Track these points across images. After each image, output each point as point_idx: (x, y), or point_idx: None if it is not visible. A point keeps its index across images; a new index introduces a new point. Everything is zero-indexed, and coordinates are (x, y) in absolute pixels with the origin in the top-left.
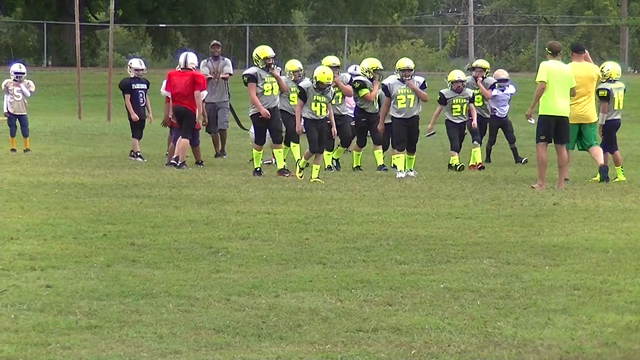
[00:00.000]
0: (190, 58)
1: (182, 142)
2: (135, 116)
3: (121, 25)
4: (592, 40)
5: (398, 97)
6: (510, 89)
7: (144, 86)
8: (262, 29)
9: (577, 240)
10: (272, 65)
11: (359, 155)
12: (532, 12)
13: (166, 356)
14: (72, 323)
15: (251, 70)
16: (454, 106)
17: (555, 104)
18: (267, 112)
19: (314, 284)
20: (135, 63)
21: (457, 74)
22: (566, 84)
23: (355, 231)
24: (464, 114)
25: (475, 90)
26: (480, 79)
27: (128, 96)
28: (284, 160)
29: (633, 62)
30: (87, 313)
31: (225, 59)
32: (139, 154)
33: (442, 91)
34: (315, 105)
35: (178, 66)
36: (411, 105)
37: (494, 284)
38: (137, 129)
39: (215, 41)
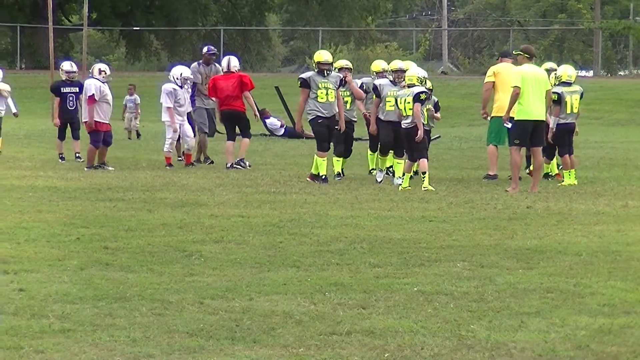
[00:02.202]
0: (232, 61)
1: (244, 142)
2: (56, 121)
3: (95, 28)
4: (565, 43)
5: (387, 99)
6: None
7: (76, 89)
8: (237, 32)
9: (550, 243)
10: (326, 72)
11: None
12: (506, 15)
13: None
14: (46, 327)
15: (306, 74)
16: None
17: (531, 108)
18: (301, 126)
19: (287, 287)
20: (66, 66)
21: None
22: (541, 88)
23: (329, 234)
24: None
25: None
26: None
27: (57, 99)
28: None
29: (606, 66)
30: (60, 316)
31: (217, 64)
32: (62, 155)
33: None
34: (322, 93)
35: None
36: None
37: (468, 287)
38: (62, 130)
39: (211, 49)
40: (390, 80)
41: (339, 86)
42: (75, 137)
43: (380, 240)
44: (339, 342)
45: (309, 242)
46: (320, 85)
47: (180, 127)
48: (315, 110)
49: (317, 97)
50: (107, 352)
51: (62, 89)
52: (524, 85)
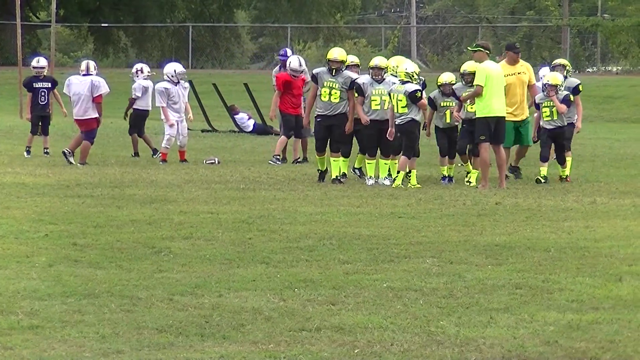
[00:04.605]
0: (294, 62)
1: (301, 141)
2: (27, 116)
3: (63, 25)
4: (533, 40)
5: (372, 98)
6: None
7: (48, 85)
8: (205, 28)
9: (519, 239)
10: (335, 70)
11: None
12: (474, 12)
13: (108, 356)
14: (14, 323)
15: (318, 69)
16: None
17: (492, 104)
18: (308, 122)
19: (257, 283)
20: (34, 62)
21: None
22: (501, 84)
23: (298, 231)
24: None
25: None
26: None
27: (30, 95)
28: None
29: (574, 63)
30: (29, 313)
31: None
32: (29, 148)
33: (431, 95)
34: (325, 92)
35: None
36: (386, 107)
37: (437, 283)
38: (35, 125)
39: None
40: (373, 78)
41: (350, 88)
42: (45, 132)
43: (349, 237)
44: (308, 338)
45: (278, 239)
46: (325, 84)
47: (177, 124)
48: (318, 108)
49: (320, 95)
50: (76, 349)
51: (34, 84)
52: (487, 83)
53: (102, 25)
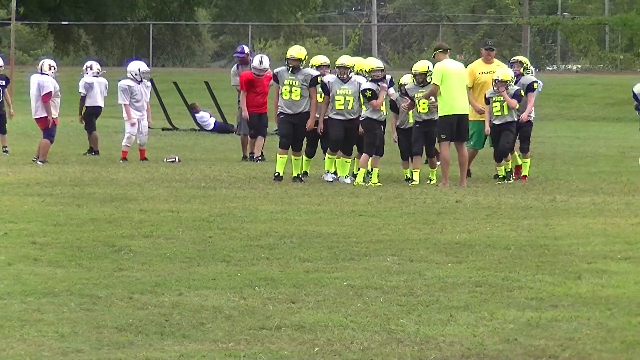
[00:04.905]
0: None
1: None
2: None
3: (23, 23)
4: (494, 38)
5: (337, 98)
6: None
7: (2, 82)
8: (166, 26)
9: (479, 237)
10: (295, 68)
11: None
12: (435, 10)
13: (68, 355)
14: None
15: (278, 68)
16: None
17: (454, 102)
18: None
19: (217, 282)
20: None
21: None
22: (462, 82)
23: (259, 229)
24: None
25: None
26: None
27: None
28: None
29: (534, 61)
30: None
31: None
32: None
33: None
34: (285, 90)
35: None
36: (350, 107)
37: (397, 281)
38: None
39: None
40: (339, 77)
41: (311, 85)
42: (3, 131)
43: (310, 235)
44: (268, 337)
45: (238, 237)
46: (285, 82)
47: (138, 123)
48: (280, 107)
49: (281, 93)
50: (35, 348)
51: None
52: (445, 81)
53: (63, 23)
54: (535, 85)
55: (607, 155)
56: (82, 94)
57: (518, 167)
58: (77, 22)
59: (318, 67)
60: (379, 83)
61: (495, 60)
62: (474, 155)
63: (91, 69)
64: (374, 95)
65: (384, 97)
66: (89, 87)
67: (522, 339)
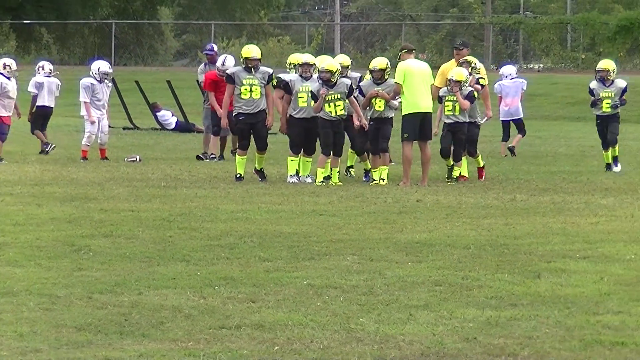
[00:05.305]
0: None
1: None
2: None
3: None
4: (456, 37)
5: (299, 95)
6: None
7: None
8: (128, 25)
9: (439, 236)
10: (254, 68)
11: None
12: (398, 9)
13: (26, 354)
14: None
15: (233, 69)
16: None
17: (418, 101)
18: (226, 122)
19: (177, 281)
20: None
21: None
22: (426, 81)
23: (219, 228)
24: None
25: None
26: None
27: None
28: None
29: (497, 60)
30: None
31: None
32: None
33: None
34: (245, 90)
35: None
36: (312, 105)
37: (357, 281)
38: None
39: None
40: (300, 76)
41: (268, 82)
42: None
43: (270, 234)
44: (228, 336)
45: (199, 236)
46: (244, 82)
47: (98, 122)
48: (238, 107)
49: (241, 93)
50: None
51: None
52: (408, 80)
53: (24, 22)
54: (481, 81)
55: (567, 154)
56: (32, 94)
57: (480, 169)
58: (39, 21)
59: (301, 66)
60: (324, 86)
61: (470, 57)
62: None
63: (43, 69)
64: (314, 97)
65: (327, 98)
66: (40, 86)
67: (481, 338)
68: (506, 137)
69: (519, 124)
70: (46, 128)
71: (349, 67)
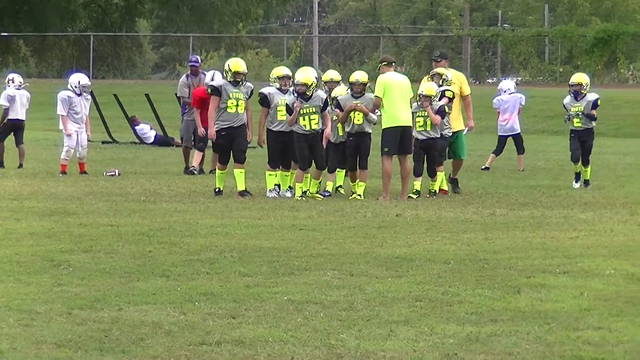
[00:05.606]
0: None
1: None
2: None
3: None
4: (435, 50)
5: (278, 109)
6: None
7: None
8: (107, 37)
9: (419, 251)
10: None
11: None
12: (376, 22)
13: None
14: None
15: (218, 81)
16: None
17: (398, 114)
18: (214, 134)
19: (157, 297)
20: None
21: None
22: (406, 94)
23: (199, 243)
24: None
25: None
26: None
27: None
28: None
29: (475, 73)
30: None
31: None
32: None
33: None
34: (232, 104)
35: None
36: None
37: (338, 296)
38: None
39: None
40: (278, 88)
41: (249, 97)
42: None
43: (250, 249)
44: (208, 352)
45: (178, 251)
46: (231, 95)
47: (77, 135)
48: (219, 123)
49: (227, 107)
50: None
51: None
52: (388, 93)
53: (2, 34)
54: (447, 93)
55: (546, 168)
56: (4, 107)
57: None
58: (17, 33)
59: (327, 83)
60: (299, 99)
61: (451, 70)
62: (460, 165)
63: (13, 82)
64: (288, 110)
65: (302, 112)
66: (11, 99)
67: (461, 354)
68: (499, 151)
69: (517, 140)
70: (22, 141)
71: (340, 83)
